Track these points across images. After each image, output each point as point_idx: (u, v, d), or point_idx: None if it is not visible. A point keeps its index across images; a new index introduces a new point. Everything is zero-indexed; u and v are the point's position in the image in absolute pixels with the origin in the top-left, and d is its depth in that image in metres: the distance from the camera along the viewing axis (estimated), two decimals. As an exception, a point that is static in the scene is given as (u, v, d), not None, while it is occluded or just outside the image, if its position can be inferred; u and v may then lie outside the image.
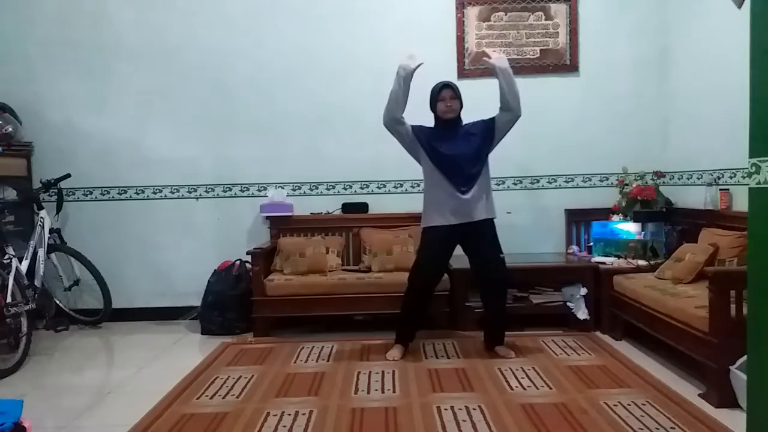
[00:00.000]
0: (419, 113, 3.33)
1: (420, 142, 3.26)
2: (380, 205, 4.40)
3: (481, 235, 3.23)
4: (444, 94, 3.23)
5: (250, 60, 4.38)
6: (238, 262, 4.13)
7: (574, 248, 4.27)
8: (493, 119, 3.29)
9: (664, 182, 4.24)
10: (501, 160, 4.35)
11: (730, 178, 3.54)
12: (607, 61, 4.36)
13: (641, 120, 4.37)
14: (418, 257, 3.35)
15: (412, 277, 3.32)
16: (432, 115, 3.32)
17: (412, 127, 3.30)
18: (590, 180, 4.42)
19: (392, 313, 3.48)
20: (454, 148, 3.20)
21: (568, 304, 3.81)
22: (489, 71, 4.31)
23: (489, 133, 3.27)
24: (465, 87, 4.30)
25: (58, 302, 4.27)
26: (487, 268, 3.27)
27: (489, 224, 3.26)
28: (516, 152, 4.39)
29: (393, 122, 3.25)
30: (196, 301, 4.16)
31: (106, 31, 4.37)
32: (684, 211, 3.98)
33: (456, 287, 3.80)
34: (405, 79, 3.19)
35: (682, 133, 4.16)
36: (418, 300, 3.32)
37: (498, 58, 3.27)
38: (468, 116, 4.11)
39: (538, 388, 2.77)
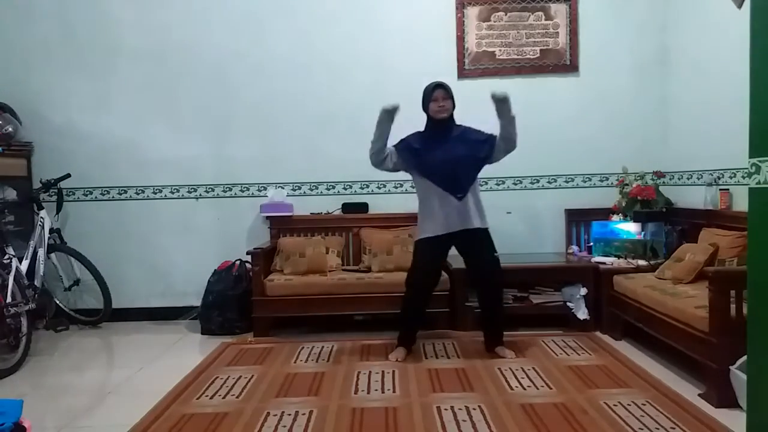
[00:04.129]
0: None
1: (406, 159, 3.26)
2: (380, 205, 4.40)
3: (477, 241, 3.25)
4: (437, 95, 3.21)
5: (250, 60, 4.38)
6: (238, 262, 4.13)
7: (574, 248, 4.27)
8: (494, 138, 3.27)
9: (664, 182, 4.24)
10: (501, 159, 4.37)
11: (730, 178, 3.54)
12: (607, 61, 4.36)
13: (641, 120, 4.37)
14: (414, 261, 3.34)
15: (409, 281, 3.33)
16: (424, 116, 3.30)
17: (396, 148, 3.29)
18: (590, 180, 4.42)
19: (392, 313, 3.48)
20: (447, 151, 3.19)
21: (568, 304, 3.81)
22: (489, 71, 4.37)
23: (489, 149, 3.28)
24: (465, 87, 4.33)
25: (58, 302, 4.27)
26: (482, 269, 3.29)
27: (484, 233, 3.27)
28: (516, 152, 4.35)
29: (380, 163, 3.31)
30: (196, 301, 4.16)
31: (107, 31, 4.37)
32: (684, 211, 3.98)
33: (456, 287, 3.80)
34: (387, 122, 3.20)
35: (682, 132, 4.16)
36: (416, 303, 3.32)
37: (504, 99, 3.23)
38: (467, 116, 4.09)
39: (538, 388, 2.77)
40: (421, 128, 3.32)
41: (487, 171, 4.34)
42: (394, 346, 3.36)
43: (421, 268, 3.29)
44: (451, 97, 3.25)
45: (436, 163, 3.19)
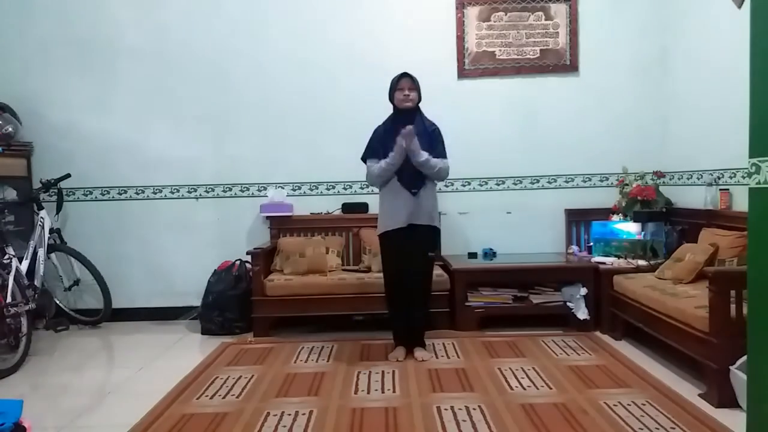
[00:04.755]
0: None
1: (375, 150, 3.25)
2: (380, 205, 4.39)
3: (419, 236, 3.19)
4: (402, 84, 3.18)
5: (250, 60, 4.38)
6: (238, 262, 4.13)
7: (574, 248, 4.27)
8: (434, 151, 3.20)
9: (664, 182, 4.24)
10: (501, 160, 4.38)
11: (730, 178, 3.54)
12: (607, 61, 4.36)
13: (641, 120, 4.37)
14: (384, 266, 3.34)
15: (385, 285, 3.33)
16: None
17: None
18: (590, 180, 4.42)
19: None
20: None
21: (568, 304, 3.81)
22: (489, 71, 4.37)
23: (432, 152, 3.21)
24: (465, 87, 4.35)
25: (58, 302, 4.27)
26: (412, 262, 3.20)
27: (432, 231, 3.25)
28: (516, 152, 4.39)
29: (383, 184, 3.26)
30: (196, 301, 4.16)
31: (107, 30, 4.37)
32: (684, 211, 3.98)
33: (456, 287, 3.80)
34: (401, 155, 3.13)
35: (682, 133, 4.16)
36: (399, 304, 3.31)
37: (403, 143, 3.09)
38: (467, 116, 4.12)
39: (538, 388, 2.77)
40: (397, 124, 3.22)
41: (487, 171, 4.40)
42: (393, 347, 3.36)
43: (388, 267, 3.30)
44: (418, 89, 3.20)
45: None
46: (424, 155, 3.13)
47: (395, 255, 3.25)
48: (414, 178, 3.18)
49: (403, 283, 3.26)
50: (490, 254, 4.24)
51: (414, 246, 3.21)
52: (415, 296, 3.28)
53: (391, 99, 3.24)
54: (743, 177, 3.38)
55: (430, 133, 3.22)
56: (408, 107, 3.19)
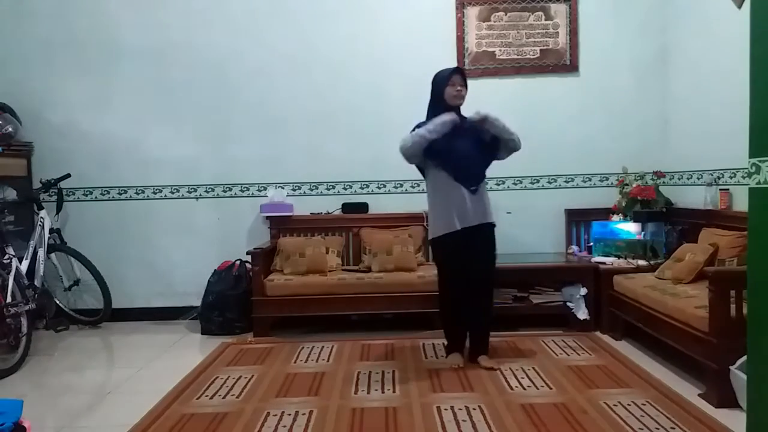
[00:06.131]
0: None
1: (424, 147, 3.03)
2: (380, 205, 4.40)
3: (484, 236, 3.09)
4: (455, 80, 3.06)
5: (250, 60, 4.38)
6: (238, 262, 4.13)
7: (574, 248, 4.27)
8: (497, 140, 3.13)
9: (664, 182, 4.24)
10: (501, 159, 4.37)
11: (730, 178, 3.54)
12: (607, 61, 4.36)
13: (641, 120, 4.37)
14: (440, 270, 3.19)
15: (441, 294, 3.20)
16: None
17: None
18: (590, 180, 4.42)
19: (392, 314, 3.46)
20: (462, 143, 3.03)
21: (568, 304, 3.81)
22: (489, 71, 4.37)
23: (493, 148, 3.15)
24: (465, 87, 4.33)
25: (58, 302, 4.27)
26: (479, 265, 3.09)
27: (492, 229, 3.15)
28: (516, 152, 4.38)
29: (417, 153, 3.05)
30: (196, 301, 4.16)
31: (107, 30, 4.38)
32: (684, 211, 3.98)
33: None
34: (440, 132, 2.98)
35: (682, 132, 4.16)
36: (453, 311, 3.19)
37: (484, 115, 3.03)
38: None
39: (538, 388, 2.77)
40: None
41: (487, 171, 4.38)
42: (446, 352, 3.26)
43: (444, 270, 3.15)
44: (467, 86, 3.12)
45: (452, 152, 3.03)
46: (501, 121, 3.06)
47: (456, 262, 3.08)
48: (472, 176, 3.06)
49: (469, 285, 3.10)
50: (490, 254, 4.24)
51: (482, 246, 3.08)
52: (483, 299, 3.14)
53: (440, 94, 3.08)
54: (743, 177, 3.38)
55: (478, 128, 3.10)
56: (459, 104, 3.09)
